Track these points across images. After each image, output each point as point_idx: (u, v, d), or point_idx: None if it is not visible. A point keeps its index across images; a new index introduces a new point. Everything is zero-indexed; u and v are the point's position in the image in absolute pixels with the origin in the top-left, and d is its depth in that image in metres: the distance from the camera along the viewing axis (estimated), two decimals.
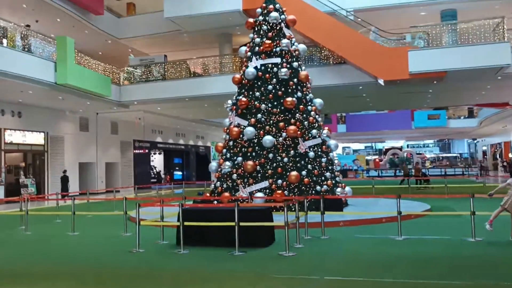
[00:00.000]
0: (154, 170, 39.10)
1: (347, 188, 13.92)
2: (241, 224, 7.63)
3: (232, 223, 7.65)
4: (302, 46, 14.76)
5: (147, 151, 33.26)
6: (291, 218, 8.18)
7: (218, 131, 43.87)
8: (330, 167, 13.68)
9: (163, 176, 39.01)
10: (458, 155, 78.66)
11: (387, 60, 18.84)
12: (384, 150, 66.19)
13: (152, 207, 11.11)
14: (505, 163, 40.14)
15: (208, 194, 13.98)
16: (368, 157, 61.67)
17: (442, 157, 71.53)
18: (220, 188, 13.51)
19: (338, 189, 13.48)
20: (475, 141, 76.51)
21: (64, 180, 23.63)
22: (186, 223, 7.89)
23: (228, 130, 14.24)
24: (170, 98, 23.50)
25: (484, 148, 69.18)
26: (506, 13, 19.45)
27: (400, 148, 64.67)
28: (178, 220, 8.36)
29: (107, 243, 9.58)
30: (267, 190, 12.74)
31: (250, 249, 7.86)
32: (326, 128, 14.31)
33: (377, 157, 63.40)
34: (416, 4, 20.55)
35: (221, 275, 6.42)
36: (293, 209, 12.56)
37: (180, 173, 42.47)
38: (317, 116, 14.18)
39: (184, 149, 40.92)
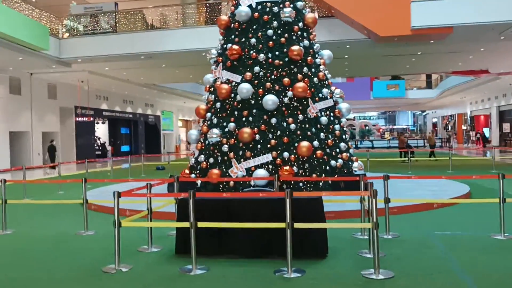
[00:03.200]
0: (99, 142, 34.90)
1: (360, 162, 11.19)
2: (297, 225, 4.59)
3: (279, 224, 4.61)
4: None
5: (91, 119, 29.10)
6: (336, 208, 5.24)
7: (169, 99, 40.06)
8: (343, 136, 10.86)
9: (108, 148, 34.92)
10: (407, 127, 79.19)
11: (386, 12, 16.12)
12: None
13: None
14: (478, 135, 39.34)
15: (187, 171, 10.78)
16: None
17: (391, 129, 71.47)
18: (205, 163, 10.35)
19: (355, 164, 10.73)
20: (424, 113, 77.14)
21: (51, 150, 22.05)
22: (200, 224, 4.74)
23: (212, 89, 11.01)
24: (122, 55, 19.69)
25: (435, 120, 69.64)
26: None
27: (353, 119, 63.35)
28: (180, 217, 5.24)
29: (60, 251, 6.18)
30: (271, 166, 9.75)
31: (301, 262, 4.91)
32: (335, 87, 11.42)
33: None
34: None
35: None
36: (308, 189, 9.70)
37: (127, 145, 38.41)
38: (326, 71, 11.23)
39: (132, 118, 36.86)
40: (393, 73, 37.36)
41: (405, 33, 16.21)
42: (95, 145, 33.13)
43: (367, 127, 50.78)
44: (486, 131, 46.82)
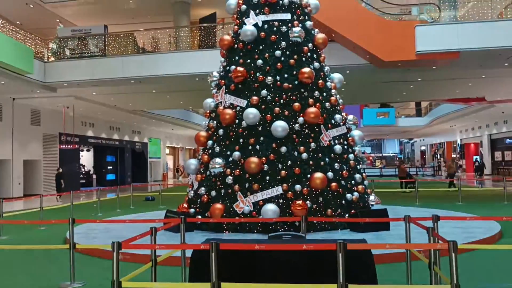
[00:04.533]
0: (83, 170, 33.50)
1: (375, 196, 10.23)
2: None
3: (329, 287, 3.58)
4: (314, 1, 10.86)
5: (76, 146, 27.82)
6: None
7: (157, 126, 38.98)
8: (358, 166, 9.93)
9: (94, 176, 33.52)
10: (395, 155, 78.96)
11: (390, 36, 15.47)
12: None
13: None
14: (476, 163, 38.79)
15: (185, 205, 9.69)
16: None
17: (379, 157, 71.06)
18: (206, 196, 9.28)
19: (371, 197, 9.77)
20: (411, 141, 77.08)
21: (58, 178, 22.34)
22: (226, 286, 3.66)
23: (213, 114, 10.04)
24: (111, 80, 18.67)
25: (423, 148, 69.47)
26: None
27: None
28: (194, 274, 4.17)
29: None
30: (281, 200, 8.72)
31: None
32: (346, 114, 10.55)
33: None
34: None
35: None
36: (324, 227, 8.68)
37: (113, 174, 36.96)
38: (337, 96, 10.37)
39: (118, 145, 35.59)
40: (389, 100, 36.95)
41: (410, 58, 15.56)
42: (80, 173, 31.74)
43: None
44: (476, 159, 46.61)
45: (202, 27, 18.28)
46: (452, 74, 19.33)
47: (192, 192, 9.76)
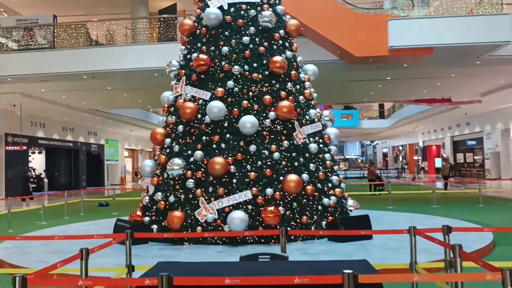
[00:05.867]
0: (33, 173, 31.30)
1: (354, 200, 9.25)
2: None
3: None
4: None
5: (24, 148, 25.76)
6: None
7: (114, 127, 37.08)
8: (335, 167, 8.92)
9: (46, 180, 31.40)
10: (357, 157, 79.34)
11: (362, 31, 14.64)
12: None
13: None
14: (449, 164, 38.73)
15: (139, 213, 8.41)
16: None
17: (342, 159, 71.13)
18: (163, 202, 8.04)
19: (350, 202, 8.78)
20: (373, 143, 77.57)
21: (25, 180, 22.03)
22: None
23: (172, 108, 8.82)
24: (61, 74, 17.03)
25: (385, 150, 69.93)
26: None
27: None
28: None
29: None
30: (250, 206, 7.59)
31: None
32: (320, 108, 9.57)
33: None
34: None
35: None
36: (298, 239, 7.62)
37: (66, 177, 34.82)
38: (312, 89, 9.35)
39: (72, 147, 33.54)
40: (355, 100, 36.42)
41: (382, 54, 14.78)
42: (30, 177, 29.57)
43: None
44: (438, 161, 46.90)
45: (161, 19, 16.95)
46: (421, 73, 18.76)
47: (147, 197, 8.49)
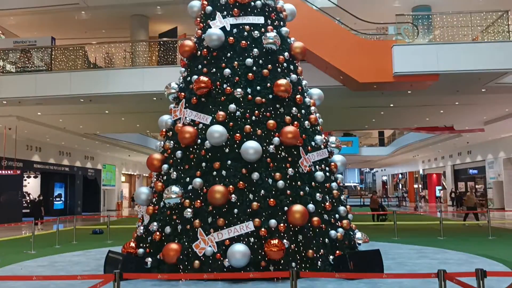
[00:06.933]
0: (28, 198, 30.66)
1: (362, 233, 8.71)
2: None
3: None
4: (290, 6, 9.50)
5: (19, 172, 25.18)
6: None
7: (112, 151, 36.58)
8: (342, 197, 8.42)
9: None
10: (357, 184, 78.72)
11: (366, 56, 14.33)
12: None
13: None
14: (452, 194, 38.09)
15: (132, 244, 7.84)
16: None
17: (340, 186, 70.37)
18: (158, 233, 7.50)
19: (358, 234, 8.24)
20: (373, 171, 76.97)
21: (38, 205, 22.40)
22: None
23: (170, 133, 8.36)
24: (58, 97, 16.65)
25: (384, 178, 69.30)
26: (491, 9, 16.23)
27: None
28: None
29: None
30: (252, 239, 7.05)
31: None
32: (326, 134, 9.13)
33: None
34: None
35: None
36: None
37: (61, 202, 34.10)
38: (318, 114, 8.92)
39: (68, 171, 32.95)
40: (357, 128, 36.06)
41: (387, 80, 14.44)
42: (24, 202, 28.89)
43: None
44: (438, 189, 46.37)
45: (161, 42, 16.67)
46: (425, 100, 18.42)
47: (142, 227, 7.94)
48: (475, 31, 15.62)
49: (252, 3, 8.53)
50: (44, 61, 16.87)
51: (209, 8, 8.70)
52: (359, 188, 73.42)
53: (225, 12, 8.51)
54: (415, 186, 53.37)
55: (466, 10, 15.51)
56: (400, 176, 60.42)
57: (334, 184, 8.19)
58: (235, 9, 8.46)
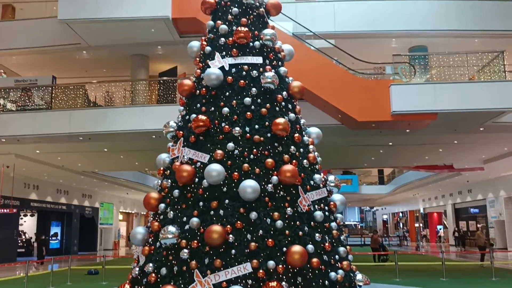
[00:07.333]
0: (24, 237, 30.25)
1: (363, 274, 8.50)
2: None
3: None
4: (288, 47, 9.61)
5: (15, 211, 24.96)
6: None
7: (110, 189, 36.42)
8: (342, 237, 8.25)
9: (35, 245, 30.26)
10: (357, 223, 77.99)
11: (364, 95, 14.52)
12: None
13: None
14: (456, 234, 37.65)
15: (127, 286, 7.63)
16: None
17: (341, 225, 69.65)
18: (154, 275, 7.30)
19: (359, 276, 8.02)
20: (373, 210, 76.40)
21: (41, 244, 23.21)
22: None
23: (168, 171, 8.28)
24: (57, 136, 16.73)
25: (385, 216, 68.70)
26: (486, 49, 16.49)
27: None
28: None
29: None
30: (250, 281, 6.86)
31: None
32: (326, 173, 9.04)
33: None
34: (384, 35, 16.89)
35: None
36: None
37: (57, 241, 33.61)
38: (316, 153, 8.87)
39: (65, 210, 32.69)
40: (356, 166, 36.10)
41: (385, 119, 14.54)
42: (19, 241, 28.49)
43: None
44: (439, 228, 45.82)
45: (161, 81, 16.87)
46: (424, 139, 18.51)
47: (137, 268, 7.73)
48: (471, 70, 15.85)
49: (251, 44, 8.62)
50: (44, 100, 17.01)
51: (208, 48, 8.79)
52: (359, 227, 72.74)
53: (224, 52, 8.59)
54: (416, 225, 52.89)
55: (462, 50, 15.79)
56: (400, 214, 59.97)
57: (333, 224, 8.04)
58: (234, 50, 8.54)
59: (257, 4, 9.13)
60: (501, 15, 16.47)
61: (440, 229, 45.36)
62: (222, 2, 9.13)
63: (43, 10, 17.87)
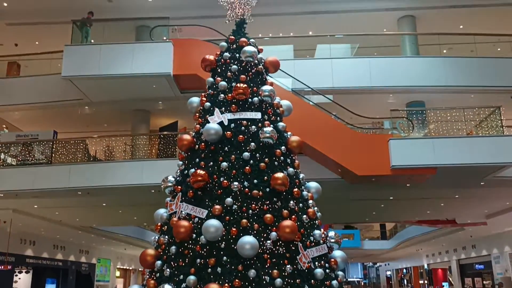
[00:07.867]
0: None
1: None
2: None
3: None
4: (286, 103, 9.74)
5: (9, 267, 24.41)
6: None
7: (107, 244, 35.79)
8: None
9: None
10: (360, 279, 76.04)
11: (363, 150, 14.57)
12: None
13: None
14: None
15: None
16: None
17: (344, 282, 67.92)
18: None
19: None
20: (376, 265, 74.68)
21: None
22: None
23: (165, 227, 8.16)
24: (56, 190, 16.63)
25: (389, 273, 67.07)
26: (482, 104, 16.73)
27: None
28: None
29: None
30: None
31: None
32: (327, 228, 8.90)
33: None
34: (381, 90, 17.18)
35: None
36: None
37: None
38: (316, 208, 8.78)
39: (61, 266, 31.98)
40: (357, 221, 35.67)
41: (385, 173, 14.51)
42: None
43: None
44: (445, 286, 44.59)
45: (161, 135, 17.02)
46: (425, 193, 18.39)
47: None
48: (469, 125, 16.00)
49: (250, 100, 8.74)
50: (44, 154, 17.06)
51: (207, 104, 8.90)
52: (362, 284, 70.89)
53: (223, 108, 8.69)
54: (421, 281, 51.53)
55: (459, 105, 16.02)
56: (404, 271, 58.57)
57: (334, 282, 7.82)
58: (233, 105, 8.65)
59: (256, 61, 9.32)
60: (496, 72, 16.82)
61: (445, 287, 44.13)
62: (222, 60, 9.32)
63: (47, 67, 18.27)
